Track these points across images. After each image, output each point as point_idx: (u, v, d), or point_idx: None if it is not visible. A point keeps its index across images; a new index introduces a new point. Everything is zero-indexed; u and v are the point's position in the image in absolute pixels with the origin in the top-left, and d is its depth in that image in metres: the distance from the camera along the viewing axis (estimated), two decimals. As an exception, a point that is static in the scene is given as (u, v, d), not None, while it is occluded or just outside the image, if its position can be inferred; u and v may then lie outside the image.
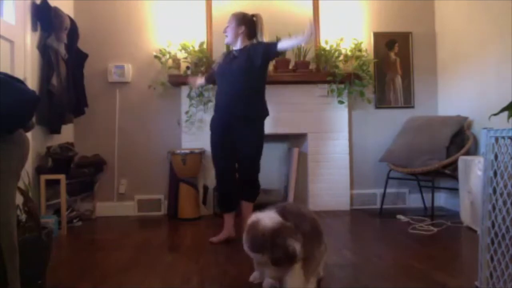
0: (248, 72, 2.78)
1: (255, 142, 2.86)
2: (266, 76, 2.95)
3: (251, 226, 1.76)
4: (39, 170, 3.18)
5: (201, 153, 3.68)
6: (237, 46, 2.88)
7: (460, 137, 3.52)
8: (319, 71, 3.93)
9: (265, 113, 2.93)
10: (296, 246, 1.66)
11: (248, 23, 2.87)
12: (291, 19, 3.99)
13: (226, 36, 2.91)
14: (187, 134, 3.85)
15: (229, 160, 2.88)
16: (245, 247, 1.76)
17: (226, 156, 2.86)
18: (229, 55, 2.92)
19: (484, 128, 1.64)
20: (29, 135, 1.66)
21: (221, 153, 2.87)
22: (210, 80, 3.21)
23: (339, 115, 3.95)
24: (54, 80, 3.27)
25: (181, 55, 3.86)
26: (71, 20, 3.63)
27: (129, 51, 3.97)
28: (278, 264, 1.69)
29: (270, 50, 2.79)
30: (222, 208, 2.96)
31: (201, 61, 3.75)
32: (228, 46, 3.19)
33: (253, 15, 2.90)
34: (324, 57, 3.90)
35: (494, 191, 1.56)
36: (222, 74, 2.89)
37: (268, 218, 1.74)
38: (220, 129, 2.87)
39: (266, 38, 2.90)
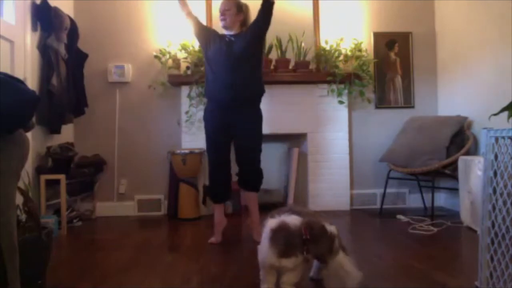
0: (248, 52, 2.78)
1: (256, 124, 2.87)
2: (264, 48, 2.95)
3: (277, 230, 1.66)
4: (39, 170, 3.18)
5: (201, 153, 3.67)
6: (233, 31, 2.88)
7: (460, 137, 3.52)
8: (319, 71, 3.93)
9: (263, 90, 2.93)
10: (334, 230, 1.69)
11: (244, 12, 2.91)
12: (291, 19, 3.99)
13: (224, 19, 2.86)
14: (187, 134, 3.85)
15: (225, 153, 2.87)
16: (273, 254, 1.65)
17: (222, 149, 2.86)
18: (224, 39, 2.86)
19: (484, 128, 1.64)
20: (29, 135, 1.66)
21: (217, 145, 2.85)
22: (194, 19, 2.97)
23: (339, 115, 3.95)
24: (54, 80, 3.27)
25: (181, 55, 3.86)
26: (71, 20, 3.63)
27: (129, 51, 3.97)
28: (322, 258, 1.69)
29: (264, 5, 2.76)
30: (214, 198, 2.94)
31: (201, 61, 3.74)
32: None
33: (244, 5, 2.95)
34: (324, 57, 3.90)
35: (494, 191, 1.56)
36: (218, 61, 2.81)
37: (292, 219, 1.69)
38: (218, 120, 2.84)
39: None
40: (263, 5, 2.79)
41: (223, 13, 2.88)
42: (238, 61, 2.77)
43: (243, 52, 2.77)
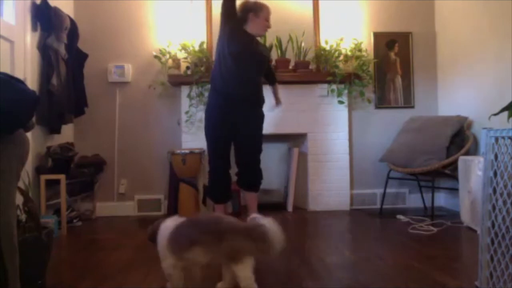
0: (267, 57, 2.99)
1: (260, 123, 2.92)
2: None
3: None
4: (39, 170, 3.18)
5: (201, 153, 3.67)
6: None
7: (460, 137, 3.52)
8: (319, 71, 3.93)
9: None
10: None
11: None
12: (291, 19, 3.99)
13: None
14: (187, 134, 3.85)
15: (227, 151, 2.89)
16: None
17: (224, 148, 2.87)
18: (251, 37, 2.85)
19: (484, 128, 1.64)
20: (29, 135, 1.66)
21: (220, 145, 2.85)
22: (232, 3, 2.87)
23: (339, 115, 3.95)
24: (54, 80, 3.27)
25: (181, 55, 3.86)
26: (71, 20, 3.63)
27: (129, 51, 3.97)
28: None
29: None
30: (217, 199, 2.94)
31: (201, 61, 3.74)
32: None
33: None
34: (324, 57, 3.90)
35: (494, 191, 1.56)
36: (247, 58, 2.79)
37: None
38: (225, 116, 2.82)
39: None
40: None
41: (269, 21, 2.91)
42: (263, 62, 2.91)
43: (266, 56, 2.95)
